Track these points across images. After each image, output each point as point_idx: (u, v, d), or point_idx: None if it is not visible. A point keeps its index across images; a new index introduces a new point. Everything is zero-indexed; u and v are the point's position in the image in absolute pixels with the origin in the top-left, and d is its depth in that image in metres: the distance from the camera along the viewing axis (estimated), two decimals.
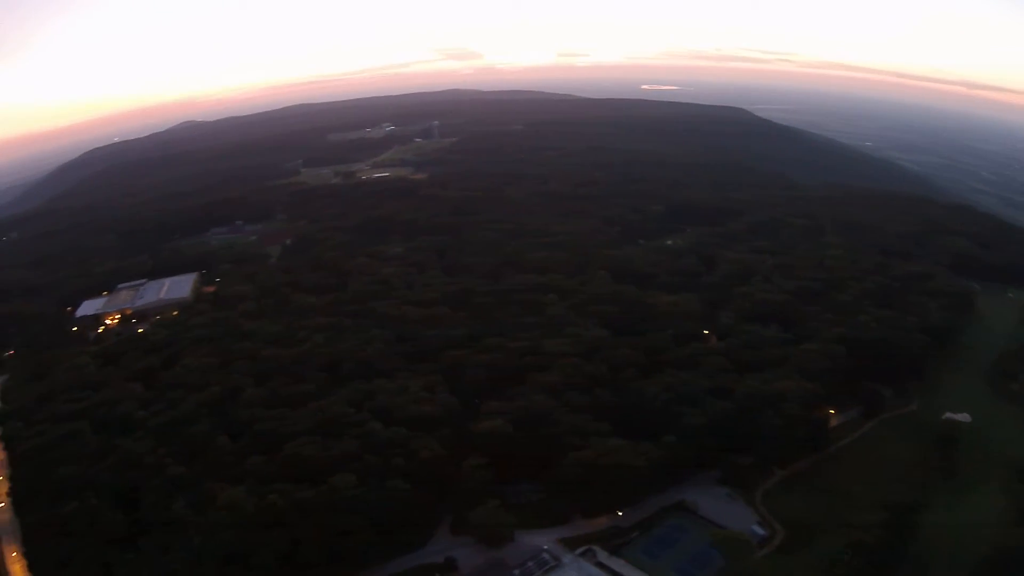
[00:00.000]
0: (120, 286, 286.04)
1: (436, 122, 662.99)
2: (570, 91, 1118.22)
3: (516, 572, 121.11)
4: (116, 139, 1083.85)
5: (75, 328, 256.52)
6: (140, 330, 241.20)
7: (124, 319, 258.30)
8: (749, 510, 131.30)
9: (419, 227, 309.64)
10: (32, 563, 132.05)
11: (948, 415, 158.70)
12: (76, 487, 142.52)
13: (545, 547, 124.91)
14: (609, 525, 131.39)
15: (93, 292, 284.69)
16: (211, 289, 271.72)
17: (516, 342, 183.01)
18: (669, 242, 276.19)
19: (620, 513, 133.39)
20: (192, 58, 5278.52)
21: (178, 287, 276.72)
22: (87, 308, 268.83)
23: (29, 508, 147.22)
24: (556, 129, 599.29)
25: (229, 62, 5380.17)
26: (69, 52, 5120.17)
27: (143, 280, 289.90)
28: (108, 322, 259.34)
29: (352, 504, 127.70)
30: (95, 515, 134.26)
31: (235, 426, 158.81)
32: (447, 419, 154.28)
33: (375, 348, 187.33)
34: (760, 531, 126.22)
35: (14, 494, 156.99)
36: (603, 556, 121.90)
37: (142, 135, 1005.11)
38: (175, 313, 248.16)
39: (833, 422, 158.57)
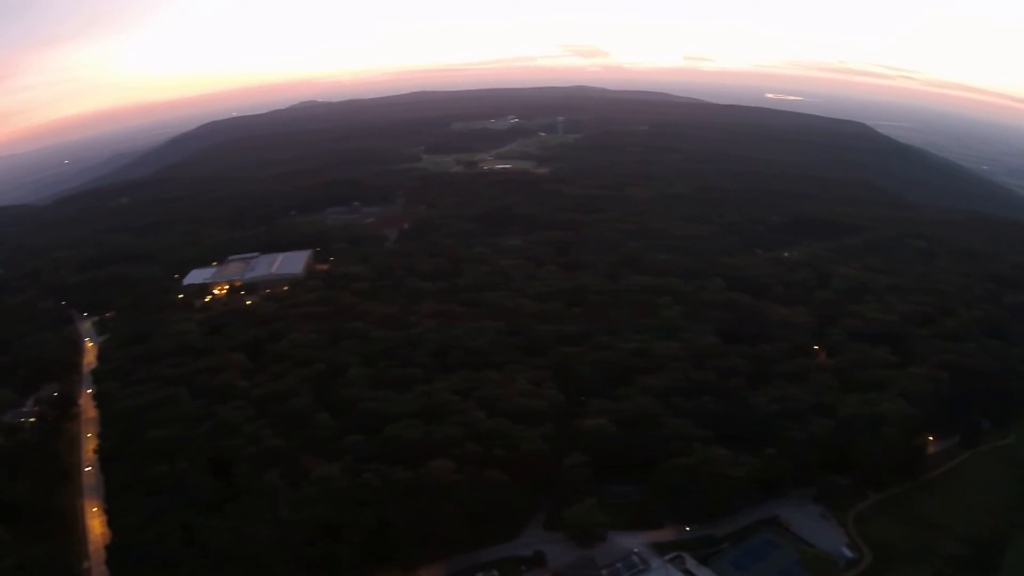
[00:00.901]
0: (231, 257, 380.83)
1: (561, 118, 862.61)
2: (695, 95, 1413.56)
3: (604, 572, 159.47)
4: (234, 114, 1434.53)
5: (181, 295, 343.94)
6: (248, 302, 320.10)
7: (232, 290, 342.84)
8: (840, 531, 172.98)
9: (539, 221, 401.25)
10: (112, 520, 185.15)
11: None
12: (168, 450, 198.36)
13: (635, 550, 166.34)
14: (701, 533, 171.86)
15: (202, 262, 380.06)
16: (324, 267, 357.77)
17: (627, 342, 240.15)
18: (786, 254, 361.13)
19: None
20: (315, 38, 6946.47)
21: (291, 263, 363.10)
22: (195, 277, 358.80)
23: (116, 466, 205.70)
24: (680, 132, 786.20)
25: (352, 45, 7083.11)
26: (192, 25, 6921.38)
27: (255, 253, 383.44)
28: (216, 292, 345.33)
29: (447, 490, 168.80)
30: (184, 478, 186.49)
31: (337, 404, 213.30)
32: (552, 414, 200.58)
33: (486, 338, 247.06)
34: (849, 553, 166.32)
35: (102, 451, 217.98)
36: (691, 564, 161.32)
37: (261, 112, 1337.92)
38: (285, 288, 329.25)
39: (930, 449, 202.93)
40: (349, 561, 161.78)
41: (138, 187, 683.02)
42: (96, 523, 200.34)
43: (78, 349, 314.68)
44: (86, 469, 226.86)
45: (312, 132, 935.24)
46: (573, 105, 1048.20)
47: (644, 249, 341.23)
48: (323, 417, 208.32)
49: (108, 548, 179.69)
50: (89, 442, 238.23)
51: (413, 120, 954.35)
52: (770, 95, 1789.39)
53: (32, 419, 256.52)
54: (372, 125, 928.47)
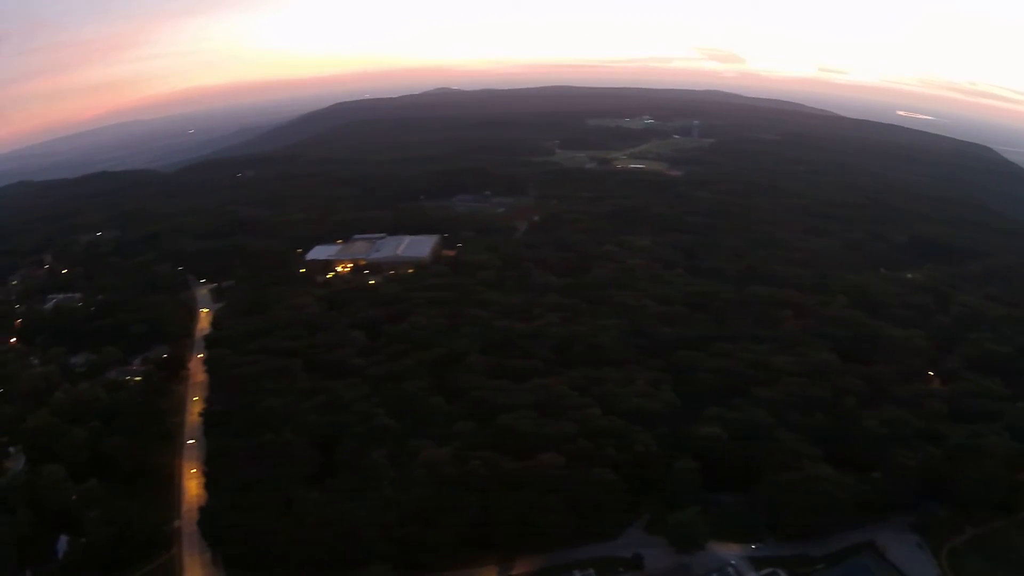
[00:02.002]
0: (357, 236, 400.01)
1: (696, 121, 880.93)
2: (827, 107, 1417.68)
3: None
4: (367, 95, 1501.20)
5: (303, 270, 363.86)
6: (371, 282, 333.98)
7: (356, 269, 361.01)
8: (934, 563, 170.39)
9: (669, 223, 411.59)
10: (210, 483, 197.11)
11: None
12: (275, 420, 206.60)
13: (732, 561, 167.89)
14: (798, 551, 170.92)
15: (327, 239, 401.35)
16: (451, 253, 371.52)
17: (746, 352, 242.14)
18: (909, 275, 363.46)
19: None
20: (451, 26, 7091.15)
21: (417, 246, 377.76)
22: (319, 252, 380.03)
23: (220, 431, 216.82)
24: (811, 144, 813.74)
25: (489, 35, 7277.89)
26: (326, 5, 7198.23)
27: (382, 234, 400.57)
28: (339, 269, 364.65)
29: (555, 484, 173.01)
30: (288, 449, 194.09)
31: (452, 390, 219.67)
32: (666, 417, 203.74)
33: (608, 336, 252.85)
34: None
35: (208, 415, 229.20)
36: None
37: (394, 95, 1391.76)
38: (410, 271, 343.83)
39: None
40: (446, 546, 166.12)
41: (265, 161, 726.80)
42: (192, 484, 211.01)
43: (192, 314, 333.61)
44: (188, 431, 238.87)
45: (445, 119, 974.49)
46: (707, 110, 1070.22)
47: (768, 259, 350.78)
48: (437, 401, 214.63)
49: (202, 510, 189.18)
50: (195, 405, 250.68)
51: (548, 114, 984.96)
52: (901, 113, 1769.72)
53: (138, 378, 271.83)
54: (507, 116, 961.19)
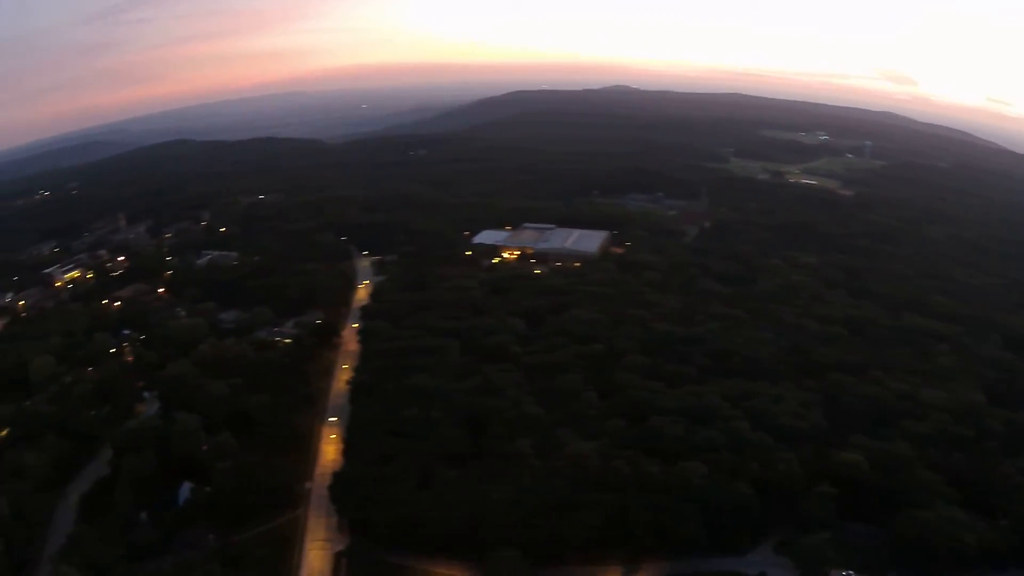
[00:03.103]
0: (527, 225, 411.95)
1: (869, 142, 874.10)
2: (995, 139, 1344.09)
3: None
4: (544, 87, 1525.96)
5: (469, 253, 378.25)
6: (537, 271, 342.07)
7: (523, 257, 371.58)
8: None
9: (835, 242, 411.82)
10: (349, 450, 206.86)
11: None
12: (424, 396, 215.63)
13: None
14: None
15: (495, 224, 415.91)
16: (619, 251, 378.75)
17: (897, 382, 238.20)
18: None
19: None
20: (632, 23, 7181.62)
21: (586, 240, 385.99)
22: (486, 237, 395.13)
23: (366, 401, 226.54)
24: (980, 176, 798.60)
25: (669, 34, 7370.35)
26: None
27: (551, 225, 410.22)
28: (505, 255, 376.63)
29: (694, 492, 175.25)
30: (434, 427, 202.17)
31: (607, 387, 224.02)
32: (812, 439, 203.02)
33: (765, 351, 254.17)
34: None
35: (355, 384, 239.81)
36: None
37: (572, 88, 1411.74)
38: (576, 264, 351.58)
39: None
40: (577, 540, 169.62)
41: (440, 142, 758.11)
42: (330, 450, 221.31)
43: (350, 284, 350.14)
44: (333, 398, 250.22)
45: (622, 116, 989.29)
46: (880, 131, 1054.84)
47: (929, 289, 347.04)
48: (589, 396, 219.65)
49: (336, 475, 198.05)
50: (343, 373, 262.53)
51: (724, 120, 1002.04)
52: None
53: (288, 340, 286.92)
54: (683, 119, 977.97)
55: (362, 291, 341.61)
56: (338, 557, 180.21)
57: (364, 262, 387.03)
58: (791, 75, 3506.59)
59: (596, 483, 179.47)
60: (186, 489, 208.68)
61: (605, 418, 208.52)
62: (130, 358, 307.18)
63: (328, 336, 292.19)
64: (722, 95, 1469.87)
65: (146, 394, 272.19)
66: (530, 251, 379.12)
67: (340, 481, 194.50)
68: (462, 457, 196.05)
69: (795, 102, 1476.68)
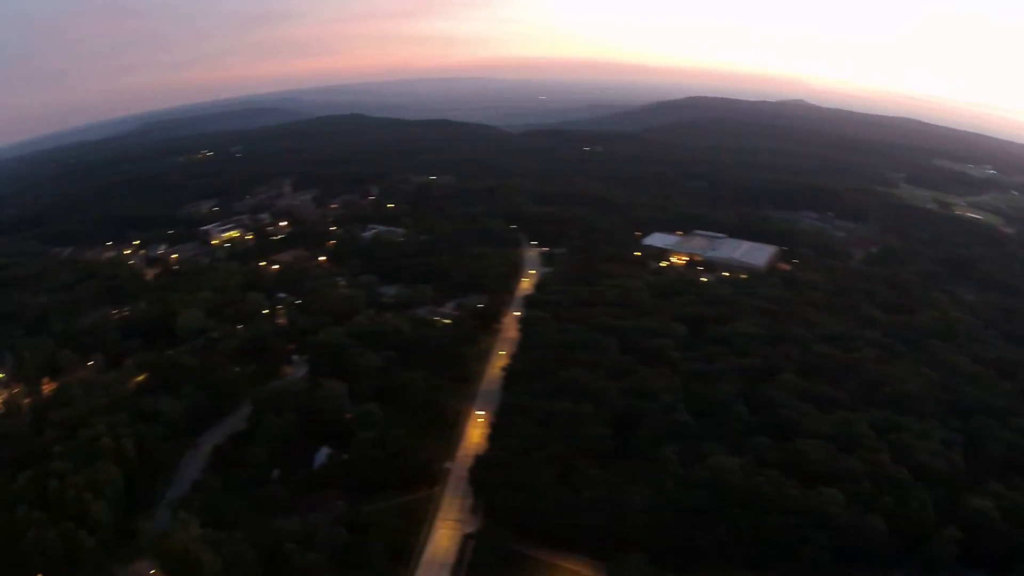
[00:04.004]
0: (697, 232, 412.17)
1: None
2: None
3: None
4: (721, 94, 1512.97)
5: (638, 253, 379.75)
6: (704, 279, 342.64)
7: (690, 263, 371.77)
8: None
9: (994, 281, 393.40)
10: (494, 435, 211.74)
11: None
12: (576, 391, 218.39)
13: None
14: None
15: (667, 227, 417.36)
16: (785, 267, 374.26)
17: None
18: None
19: None
20: (814, 39, 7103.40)
21: (754, 253, 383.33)
22: (657, 240, 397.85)
23: (519, 389, 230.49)
24: None
25: (848, 53, 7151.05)
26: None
27: (722, 235, 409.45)
28: (673, 260, 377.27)
29: (828, 520, 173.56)
30: (582, 423, 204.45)
31: (758, 402, 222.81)
32: (948, 480, 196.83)
33: (917, 384, 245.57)
34: None
35: (510, 371, 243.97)
36: None
37: (747, 99, 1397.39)
38: (743, 276, 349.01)
39: None
40: (707, 551, 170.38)
41: (615, 140, 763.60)
42: (476, 433, 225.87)
43: (516, 272, 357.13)
44: (486, 382, 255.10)
45: (797, 131, 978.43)
46: None
47: None
48: (741, 410, 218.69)
49: (478, 458, 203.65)
50: (499, 359, 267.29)
51: (896, 145, 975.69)
52: None
53: (447, 320, 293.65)
54: (856, 140, 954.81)
55: (527, 280, 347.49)
56: (466, 539, 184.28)
57: (532, 252, 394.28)
58: (963, 104, 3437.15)
59: (734, 498, 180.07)
60: (323, 454, 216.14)
61: (752, 433, 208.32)
62: (283, 320, 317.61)
63: (488, 321, 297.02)
64: (895, 119, 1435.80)
65: (295, 357, 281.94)
66: (699, 258, 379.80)
67: (481, 465, 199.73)
68: (606, 455, 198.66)
69: (964, 132, 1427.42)
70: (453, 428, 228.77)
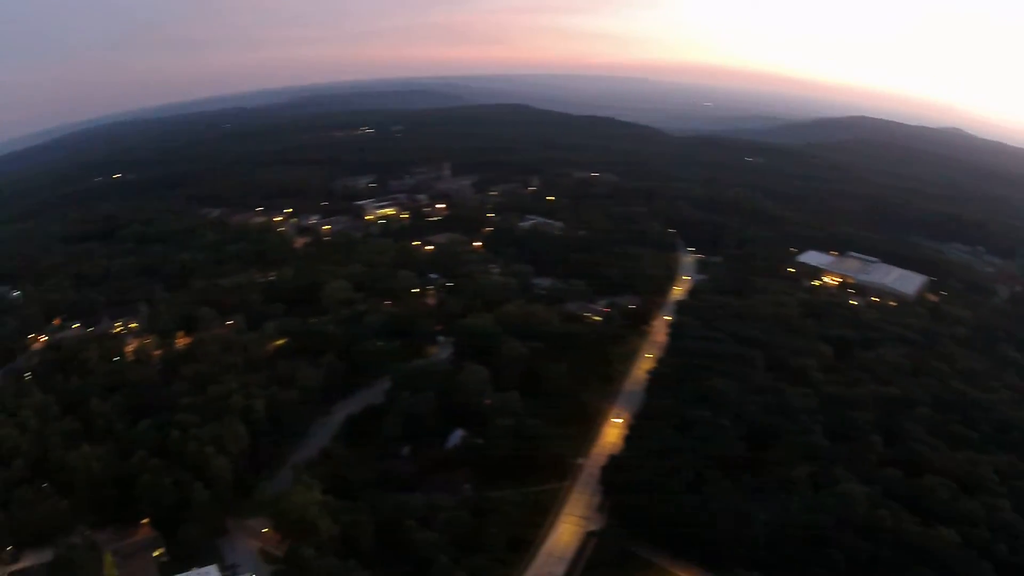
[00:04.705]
0: (851, 253, 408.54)
1: None
2: None
3: None
4: (883, 117, 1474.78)
5: (791, 269, 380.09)
6: (853, 302, 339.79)
7: (842, 285, 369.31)
8: None
9: None
10: (631, 436, 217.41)
11: None
12: (717, 401, 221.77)
13: None
14: None
15: (822, 246, 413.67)
16: (933, 298, 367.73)
17: None
18: None
19: None
20: (966, 67, 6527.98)
21: (905, 281, 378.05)
22: (811, 258, 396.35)
23: (661, 393, 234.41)
24: None
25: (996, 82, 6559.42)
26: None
27: (875, 259, 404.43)
28: (826, 279, 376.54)
29: (942, 562, 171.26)
30: (719, 433, 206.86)
31: (892, 433, 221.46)
32: None
33: None
34: None
35: (655, 375, 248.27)
36: None
37: (908, 123, 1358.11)
38: (892, 303, 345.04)
39: None
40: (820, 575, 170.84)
41: (774, 152, 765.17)
42: (613, 432, 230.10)
43: (671, 276, 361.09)
44: (630, 383, 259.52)
45: (953, 160, 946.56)
46: None
47: None
48: (875, 440, 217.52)
49: (612, 458, 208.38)
50: (644, 362, 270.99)
51: None
52: None
53: (597, 317, 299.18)
54: (1012, 174, 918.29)
55: (681, 286, 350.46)
56: (588, 536, 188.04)
57: (688, 258, 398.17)
58: None
59: (856, 526, 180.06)
60: (457, 436, 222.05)
61: (883, 464, 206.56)
62: (432, 301, 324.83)
63: (638, 322, 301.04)
64: None
65: (440, 338, 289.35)
66: (851, 280, 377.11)
67: (614, 464, 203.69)
68: (738, 469, 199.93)
69: None
70: (591, 425, 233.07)
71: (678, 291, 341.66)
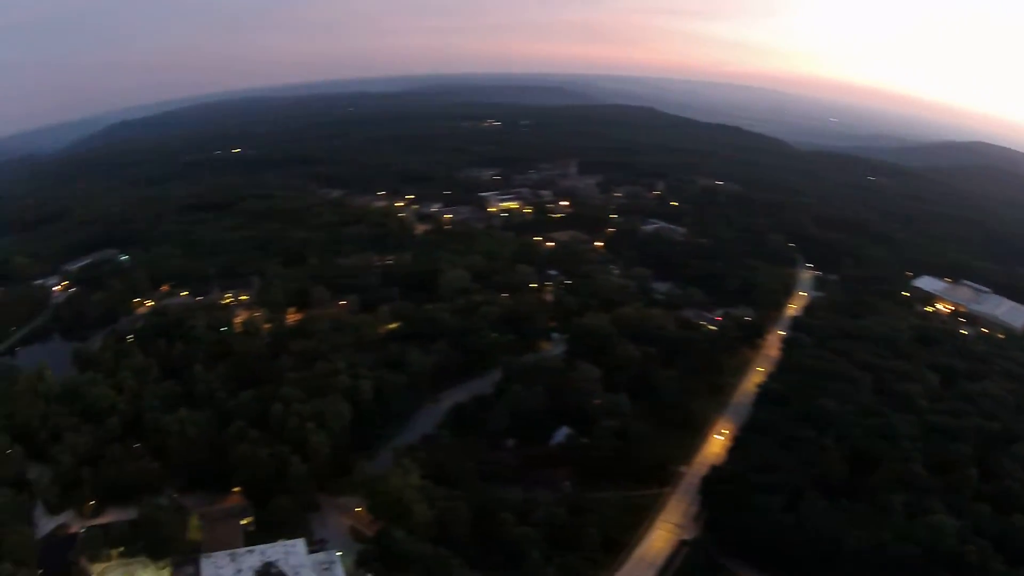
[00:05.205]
0: (964, 282, 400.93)
1: None
2: None
3: None
4: (1006, 145, 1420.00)
5: (906, 293, 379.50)
6: (963, 331, 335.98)
7: (954, 312, 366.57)
8: None
9: None
10: (734, 449, 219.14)
11: None
12: (823, 421, 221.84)
13: None
14: None
15: (937, 272, 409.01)
16: None
17: None
18: None
19: None
20: None
21: (1016, 314, 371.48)
22: (925, 283, 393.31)
23: (768, 409, 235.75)
24: None
25: None
26: None
27: (988, 289, 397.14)
28: (939, 306, 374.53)
29: None
30: (822, 453, 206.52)
31: (990, 468, 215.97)
32: None
33: None
34: None
35: (765, 390, 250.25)
36: None
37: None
38: (1000, 336, 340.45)
39: None
40: None
41: (897, 175, 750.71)
42: (717, 443, 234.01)
43: (788, 291, 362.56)
44: (739, 396, 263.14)
45: None
46: None
47: None
48: (971, 473, 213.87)
49: (714, 468, 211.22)
50: (755, 375, 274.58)
51: None
52: None
53: (712, 327, 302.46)
54: None
55: (797, 301, 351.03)
56: (681, 545, 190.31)
57: (806, 273, 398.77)
58: None
59: (943, 559, 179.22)
60: (563, 433, 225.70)
61: (977, 499, 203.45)
62: (549, 297, 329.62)
63: (752, 335, 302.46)
64: None
65: (554, 335, 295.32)
66: (963, 309, 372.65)
67: (715, 476, 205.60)
68: (837, 491, 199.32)
69: None
70: (696, 434, 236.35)
71: (793, 307, 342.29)
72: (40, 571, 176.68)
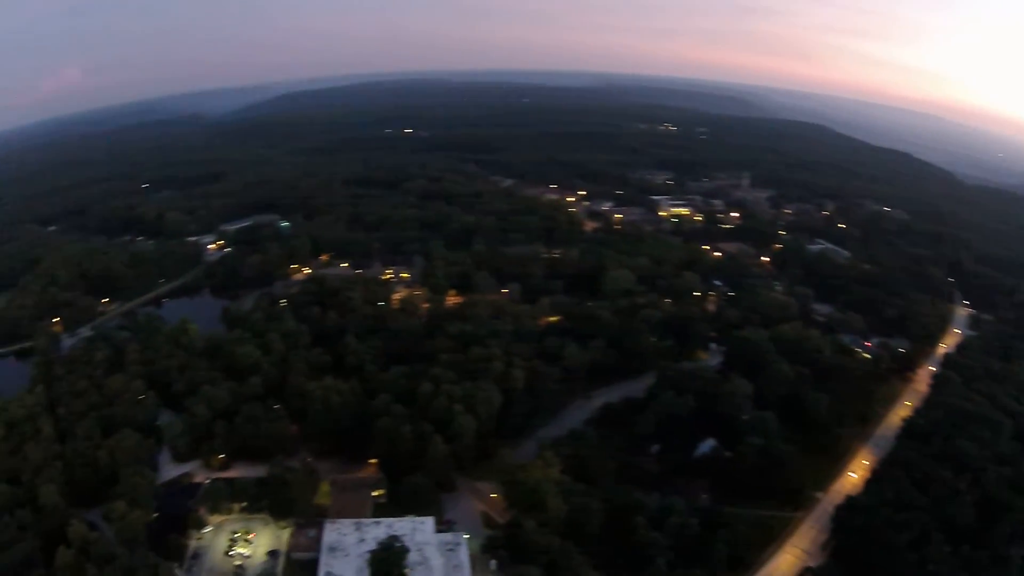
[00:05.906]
0: None
1: None
2: None
3: None
4: None
5: None
6: None
7: None
8: None
9: None
10: (872, 482, 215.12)
11: None
12: (959, 463, 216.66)
13: None
14: None
15: None
16: None
17: None
18: None
19: None
20: None
21: None
22: None
23: (911, 444, 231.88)
24: None
25: None
26: None
27: None
28: None
29: None
30: (953, 495, 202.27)
31: None
32: None
33: None
34: None
35: (909, 424, 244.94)
36: None
37: None
38: None
39: None
40: None
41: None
42: (858, 471, 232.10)
43: (944, 327, 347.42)
44: (883, 427, 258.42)
45: None
46: None
47: None
48: None
49: (850, 499, 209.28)
50: (902, 409, 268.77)
51: None
52: None
53: (867, 355, 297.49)
54: None
55: (950, 338, 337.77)
56: (806, 571, 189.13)
57: (962, 311, 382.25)
58: None
59: None
60: (708, 445, 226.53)
61: None
62: (711, 307, 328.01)
63: (904, 368, 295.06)
64: None
65: (712, 345, 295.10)
66: None
67: (850, 506, 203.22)
68: (963, 536, 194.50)
69: None
70: (838, 461, 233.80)
71: (946, 343, 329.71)
72: (156, 515, 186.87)
